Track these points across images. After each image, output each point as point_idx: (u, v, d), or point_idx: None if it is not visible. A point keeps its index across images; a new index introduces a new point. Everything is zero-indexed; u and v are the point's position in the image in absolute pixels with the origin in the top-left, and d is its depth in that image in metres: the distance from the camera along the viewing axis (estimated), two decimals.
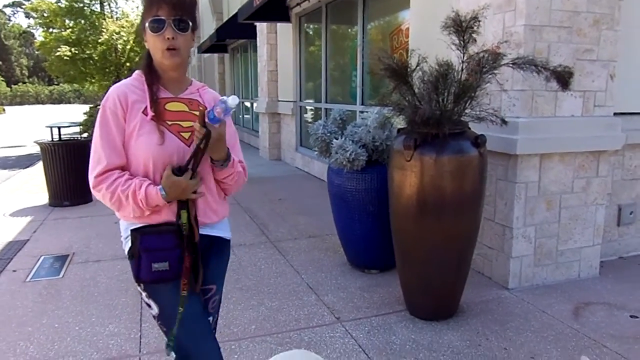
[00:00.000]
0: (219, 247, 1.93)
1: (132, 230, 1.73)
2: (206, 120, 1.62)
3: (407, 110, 2.99)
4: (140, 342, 3.09)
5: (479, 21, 2.92)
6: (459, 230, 3.14)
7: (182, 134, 1.72)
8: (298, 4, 8.73)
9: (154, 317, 1.81)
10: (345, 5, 7.54)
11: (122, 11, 16.55)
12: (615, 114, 3.88)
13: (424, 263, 3.24)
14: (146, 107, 1.69)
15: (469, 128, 3.19)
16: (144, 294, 1.77)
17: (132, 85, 1.74)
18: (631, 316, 3.37)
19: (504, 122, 3.14)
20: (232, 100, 1.60)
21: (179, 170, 1.65)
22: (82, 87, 21.55)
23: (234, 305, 3.57)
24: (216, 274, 1.96)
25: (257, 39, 11.10)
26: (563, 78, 3.15)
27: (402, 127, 3.35)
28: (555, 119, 3.64)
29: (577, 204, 3.87)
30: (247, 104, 14.73)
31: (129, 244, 1.75)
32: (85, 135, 11.01)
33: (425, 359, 2.88)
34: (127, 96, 1.69)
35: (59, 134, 6.89)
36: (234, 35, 12.36)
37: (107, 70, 15.03)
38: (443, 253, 3.16)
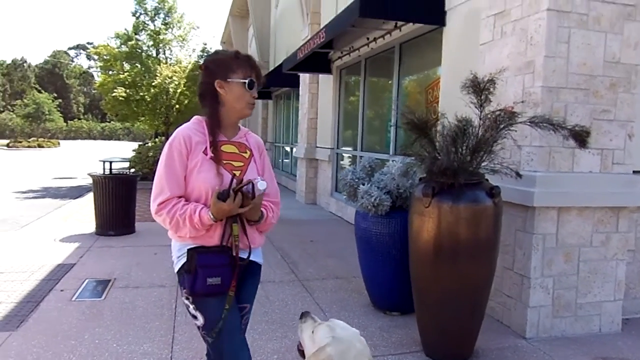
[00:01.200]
0: (254, 271, 2.23)
1: (189, 249, 2.02)
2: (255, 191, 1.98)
3: (427, 160, 3.25)
4: None
5: (495, 83, 3.19)
6: (473, 275, 3.31)
7: (233, 172, 2.06)
8: (339, 58, 9.22)
9: (198, 327, 2.09)
10: (382, 60, 7.94)
11: (177, 58, 17.52)
12: (634, 172, 4.02)
13: (439, 306, 3.40)
14: (206, 148, 2.03)
15: (487, 180, 3.41)
16: (191, 306, 2.05)
17: (195, 128, 2.08)
18: None
19: (518, 175, 3.34)
20: (261, 185, 1.96)
21: (222, 195, 1.93)
22: (133, 126, 22.62)
23: (259, 335, 3.79)
24: (250, 294, 2.26)
25: (300, 87, 11.65)
26: (580, 137, 3.35)
27: (423, 176, 3.59)
28: (573, 175, 3.81)
29: (597, 258, 3.97)
30: (287, 148, 15.25)
31: (184, 260, 2.05)
32: (132, 170, 11.64)
33: None
34: (192, 138, 2.03)
35: (110, 168, 7.41)
36: (278, 83, 12.97)
37: (157, 111, 15.88)
38: (458, 297, 3.33)
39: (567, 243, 3.87)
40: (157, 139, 19.32)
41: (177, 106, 16.24)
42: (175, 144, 2.02)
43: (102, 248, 6.41)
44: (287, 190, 13.49)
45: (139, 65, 15.55)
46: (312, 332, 1.80)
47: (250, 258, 2.14)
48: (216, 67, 2.08)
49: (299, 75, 11.51)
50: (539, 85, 3.67)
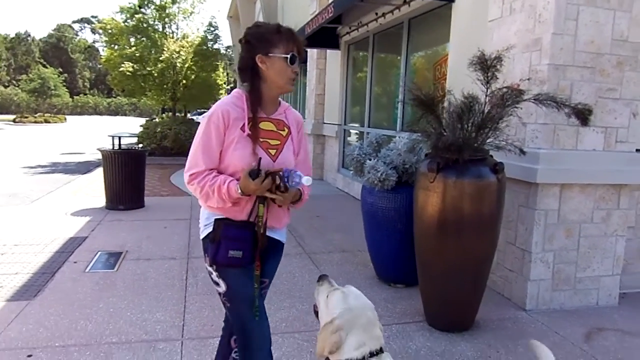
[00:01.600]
0: (277, 249, 2.27)
1: (216, 219, 2.06)
2: (287, 183, 1.97)
3: (433, 136, 3.32)
4: (182, 329, 3.49)
5: (502, 61, 3.23)
6: (476, 249, 3.41)
7: (269, 150, 2.07)
8: (347, 33, 9.19)
9: (219, 293, 2.16)
10: (391, 35, 7.93)
11: (183, 32, 17.43)
12: (637, 150, 4.07)
13: (443, 278, 3.51)
14: (244, 124, 2.02)
15: (491, 156, 3.48)
16: (214, 273, 2.11)
17: (234, 103, 2.06)
18: None
19: (522, 152, 3.41)
20: (306, 181, 1.94)
21: (252, 173, 1.92)
22: (139, 101, 22.63)
23: (268, 305, 3.82)
24: (271, 270, 2.31)
25: (307, 63, 11.63)
26: (583, 115, 3.41)
27: (428, 151, 3.66)
28: (577, 152, 3.87)
29: (597, 234, 4.06)
30: None
31: (210, 229, 2.09)
32: (140, 146, 11.74)
33: None
34: (230, 113, 2.03)
35: (119, 143, 7.51)
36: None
37: (164, 86, 15.86)
38: (460, 270, 3.43)
39: (568, 219, 3.96)
40: (164, 115, 19.39)
41: (184, 82, 16.21)
42: (214, 118, 2.02)
43: (113, 222, 6.55)
44: None
45: (145, 40, 15.49)
46: (327, 296, 1.84)
47: (275, 237, 2.20)
48: (257, 41, 2.04)
49: (306, 51, 11.46)
50: (546, 63, 3.70)
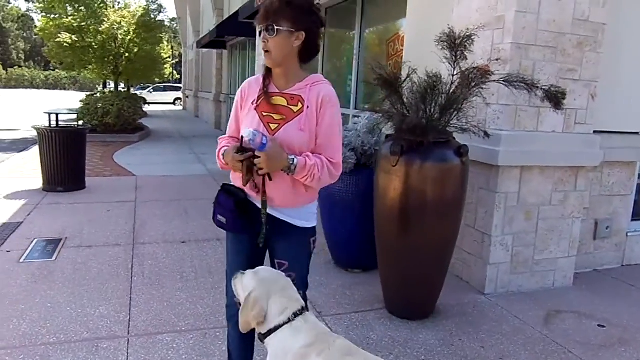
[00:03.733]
0: (286, 230, 2.12)
1: (223, 184, 2.17)
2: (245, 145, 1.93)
3: (396, 118, 3.16)
4: (129, 324, 3.23)
5: (472, 39, 3.08)
6: (439, 234, 3.31)
7: (270, 124, 2.02)
8: None
9: None
10: (344, 10, 7.69)
11: (125, 2, 16.55)
12: (595, 132, 4.07)
13: (404, 263, 3.40)
14: (255, 98, 2.07)
15: (454, 138, 3.36)
16: None
17: (255, 80, 2.14)
18: (599, 325, 3.55)
19: (486, 134, 3.31)
20: (245, 133, 1.88)
21: (239, 149, 1.95)
22: (79, 75, 21.48)
23: (221, 295, 3.71)
24: (286, 252, 2.17)
25: (256, 37, 11.23)
26: (556, 98, 3.31)
27: (390, 133, 3.51)
28: (537, 134, 3.82)
29: (555, 216, 4.05)
30: None
31: None
32: (81, 123, 11.10)
33: (400, 355, 3.04)
34: (247, 88, 2.13)
35: (57, 120, 6.99)
36: (234, 32, 12.48)
37: (105, 59, 15.04)
38: (423, 255, 3.33)
39: (528, 202, 3.92)
40: (106, 90, 18.49)
41: (127, 55, 15.44)
42: (238, 92, 2.18)
43: (51, 205, 6.10)
44: None
45: (84, 9, 14.58)
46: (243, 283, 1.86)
47: (279, 217, 2.10)
48: None
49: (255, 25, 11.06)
50: (509, 42, 3.60)
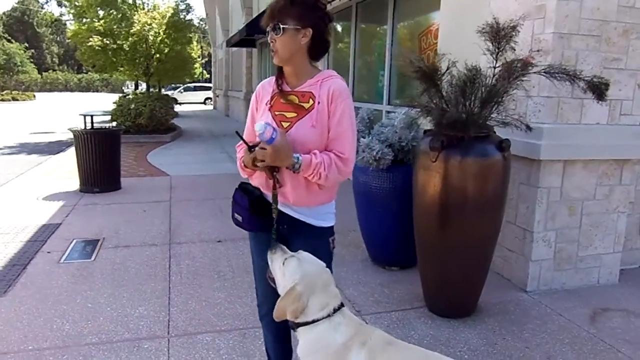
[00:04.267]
0: (304, 229, 2.09)
1: (241, 182, 2.18)
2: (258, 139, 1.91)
3: (435, 112, 3.08)
4: (168, 324, 3.24)
5: (518, 30, 2.98)
6: (480, 231, 3.22)
7: (282, 122, 2.01)
8: (329, 2, 8.82)
9: None
10: (375, 4, 7.61)
11: (154, 4, 16.76)
12: None
13: (445, 262, 3.32)
14: (269, 99, 2.08)
15: (494, 132, 3.27)
16: None
17: (268, 82, 2.14)
18: None
19: (528, 128, 3.20)
20: (258, 127, 1.86)
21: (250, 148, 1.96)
22: (111, 77, 21.85)
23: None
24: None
25: None
26: (599, 89, 3.17)
27: (428, 128, 3.43)
28: (581, 126, 3.69)
29: (599, 211, 3.91)
30: None
31: None
32: (114, 124, 11.28)
33: (443, 354, 2.93)
34: (261, 91, 2.14)
35: (92, 122, 7.10)
36: (263, 31, 12.43)
37: (137, 61, 15.24)
38: (463, 253, 3.24)
39: (571, 196, 3.79)
40: (137, 91, 18.77)
41: (158, 55, 15.61)
42: (253, 95, 2.18)
43: (88, 206, 6.21)
44: None
45: (114, 12, 14.79)
46: (283, 264, 1.84)
47: (294, 215, 2.08)
48: None
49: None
50: (550, 32, 3.47)
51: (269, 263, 1.91)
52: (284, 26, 1.92)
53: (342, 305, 1.80)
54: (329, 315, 1.74)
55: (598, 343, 3.13)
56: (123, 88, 33.71)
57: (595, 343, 3.13)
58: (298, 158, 1.91)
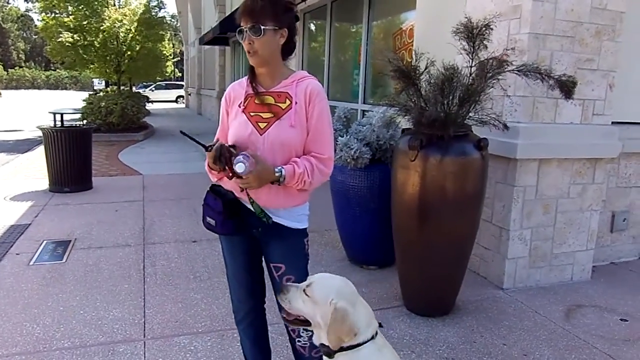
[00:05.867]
0: (279, 232, 2.05)
1: (212, 185, 2.13)
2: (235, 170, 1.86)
3: (414, 111, 3.08)
4: (144, 327, 3.17)
5: (491, 29, 3.00)
6: (459, 229, 3.24)
7: (259, 123, 1.98)
8: (303, 1, 8.78)
9: None
10: (350, 3, 7.60)
11: (125, 0, 16.40)
12: (613, 123, 3.99)
13: (424, 260, 3.33)
14: (241, 102, 2.04)
15: (472, 131, 3.29)
16: None
17: (239, 83, 2.11)
18: (621, 319, 3.48)
19: (505, 127, 3.23)
20: (239, 168, 1.81)
21: (207, 148, 1.92)
22: (80, 74, 21.37)
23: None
24: (281, 255, 2.10)
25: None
26: (567, 87, 3.23)
27: (406, 127, 3.43)
28: (555, 126, 3.74)
29: (573, 209, 3.98)
30: None
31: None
32: (85, 122, 11.03)
33: (422, 353, 2.97)
34: (232, 93, 2.10)
35: (62, 120, 6.93)
36: (237, 29, 12.35)
37: (107, 58, 14.93)
38: (443, 251, 3.26)
39: (545, 195, 3.85)
40: (108, 89, 18.39)
41: (129, 53, 15.32)
42: (223, 98, 2.14)
43: (58, 206, 6.05)
44: None
45: (84, 8, 14.45)
46: (307, 295, 1.70)
47: (273, 219, 2.03)
48: None
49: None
50: (526, 32, 3.52)
51: (285, 305, 1.76)
52: (265, 27, 1.89)
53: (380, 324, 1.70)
54: (373, 337, 1.63)
55: (573, 339, 3.18)
56: (93, 85, 32.99)
57: (570, 339, 3.18)
58: (281, 172, 1.90)
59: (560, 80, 3.19)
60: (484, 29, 3.00)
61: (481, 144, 3.10)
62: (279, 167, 1.90)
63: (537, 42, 3.54)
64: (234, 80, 2.21)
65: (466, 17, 3.13)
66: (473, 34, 3.01)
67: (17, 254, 4.36)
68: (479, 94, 3.12)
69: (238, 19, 1.94)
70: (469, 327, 3.29)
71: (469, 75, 3.09)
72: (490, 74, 3.14)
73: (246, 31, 1.90)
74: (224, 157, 1.88)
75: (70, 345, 2.93)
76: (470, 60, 3.12)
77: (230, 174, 1.91)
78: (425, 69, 3.12)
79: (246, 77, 2.08)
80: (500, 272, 3.89)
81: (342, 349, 1.63)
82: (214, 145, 1.90)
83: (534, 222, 3.85)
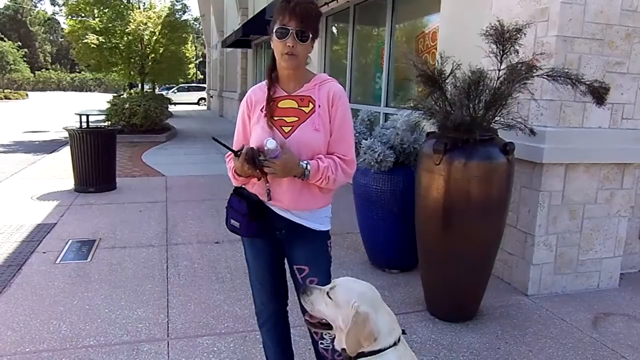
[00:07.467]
0: (302, 234, 2.07)
1: (235, 187, 2.14)
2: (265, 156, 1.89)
3: (439, 115, 3.06)
4: (167, 327, 3.20)
5: (523, 32, 2.96)
6: (483, 234, 3.20)
7: (283, 127, 1.98)
8: (326, 4, 8.77)
9: None
10: (373, 6, 7.59)
11: (150, 3, 16.66)
12: None
13: (447, 265, 3.30)
14: (264, 105, 2.02)
15: (497, 135, 3.25)
16: None
17: (259, 87, 2.10)
18: None
19: (532, 132, 3.19)
20: (269, 144, 1.86)
21: (236, 153, 1.94)
22: (105, 76, 21.71)
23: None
24: (305, 257, 2.11)
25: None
26: (599, 93, 3.17)
27: (431, 131, 3.41)
28: (583, 130, 3.68)
29: (600, 215, 3.90)
30: None
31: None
32: (109, 123, 11.20)
33: (445, 358, 2.94)
34: (252, 98, 2.09)
35: (87, 122, 7.04)
36: (259, 31, 12.44)
37: (132, 60, 15.17)
38: (466, 256, 3.22)
39: (572, 200, 3.78)
40: (132, 91, 18.66)
41: (153, 55, 15.54)
42: (243, 103, 2.12)
43: (83, 206, 6.14)
44: None
45: (109, 11, 14.69)
46: (329, 297, 1.70)
47: (293, 219, 2.04)
48: (274, 16, 1.97)
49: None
50: (554, 35, 3.46)
51: (308, 307, 1.77)
52: (311, 35, 1.94)
53: (403, 330, 1.68)
54: (395, 344, 1.60)
55: (601, 348, 3.12)
56: (118, 90, 33.46)
57: (598, 348, 3.12)
58: (307, 165, 1.92)
59: (592, 86, 3.12)
60: (515, 33, 2.95)
61: (507, 148, 3.06)
62: (305, 161, 1.92)
63: (565, 45, 3.49)
64: (256, 83, 2.22)
65: (498, 20, 3.09)
66: (503, 38, 2.97)
67: (43, 253, 4.44)
68: (506, 97, 3.08)
69: (281, 15, 1.90)
70: (494, 334, 3.25)
71: (496, 78, 3.05)
72: (520, 78, 3.10)
73: (292, 32, 1.89)
74: (256, 158, 1.87)
75: (96, 344, 2.97)
76: (499, 64, 3.08)
77: (260, 175, 1.92)
78: (451, 72, 3.09)
79: (265, 81, 2.08)
80: (525, 278, 3.83)
81: (363, 355, 1.60)
82: (241, 150, 1.90)
83: (560, 227, 3.79)
